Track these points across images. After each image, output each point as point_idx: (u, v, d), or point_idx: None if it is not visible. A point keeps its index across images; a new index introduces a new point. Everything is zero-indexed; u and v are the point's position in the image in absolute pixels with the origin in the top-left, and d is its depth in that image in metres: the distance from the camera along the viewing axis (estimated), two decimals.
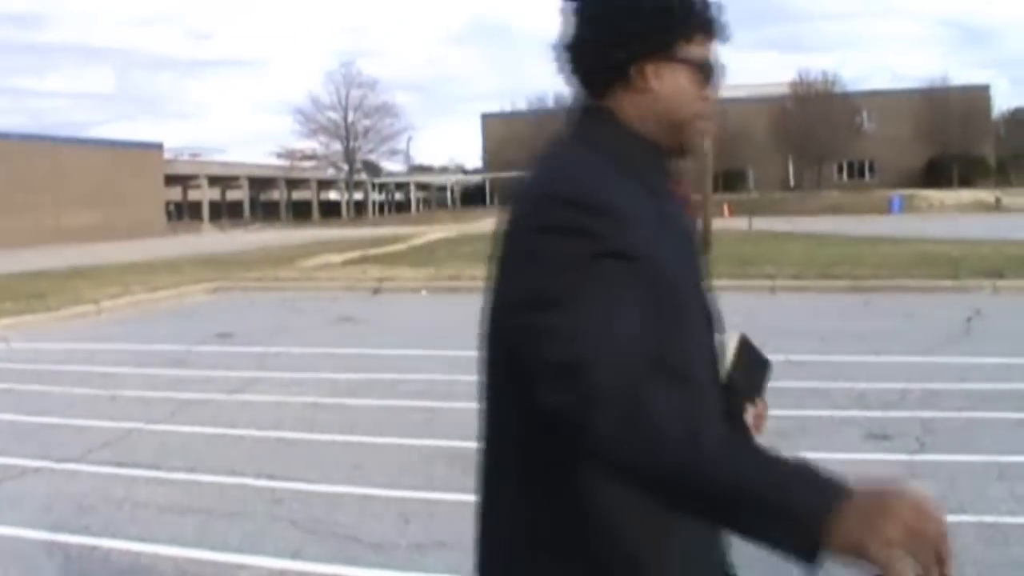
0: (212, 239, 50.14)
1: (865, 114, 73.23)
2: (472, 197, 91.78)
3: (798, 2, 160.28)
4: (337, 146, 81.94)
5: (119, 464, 6.70)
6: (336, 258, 26.42)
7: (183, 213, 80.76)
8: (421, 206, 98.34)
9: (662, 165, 1.66)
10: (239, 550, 4.98)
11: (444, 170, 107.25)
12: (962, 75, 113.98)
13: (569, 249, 1.41)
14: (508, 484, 1.58)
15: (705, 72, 1.61)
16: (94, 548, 5.07)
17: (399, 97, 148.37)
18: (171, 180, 70.53)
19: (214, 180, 79.92)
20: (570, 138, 1.64)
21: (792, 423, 6.84)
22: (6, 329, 14.04)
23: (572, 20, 1.61)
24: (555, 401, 1.37)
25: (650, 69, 1.57)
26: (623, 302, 1.39)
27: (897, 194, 55.75)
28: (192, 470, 6.49)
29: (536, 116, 77.79)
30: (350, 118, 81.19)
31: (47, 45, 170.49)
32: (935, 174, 68.99)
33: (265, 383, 9.61)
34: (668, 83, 1.58)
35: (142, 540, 5.14)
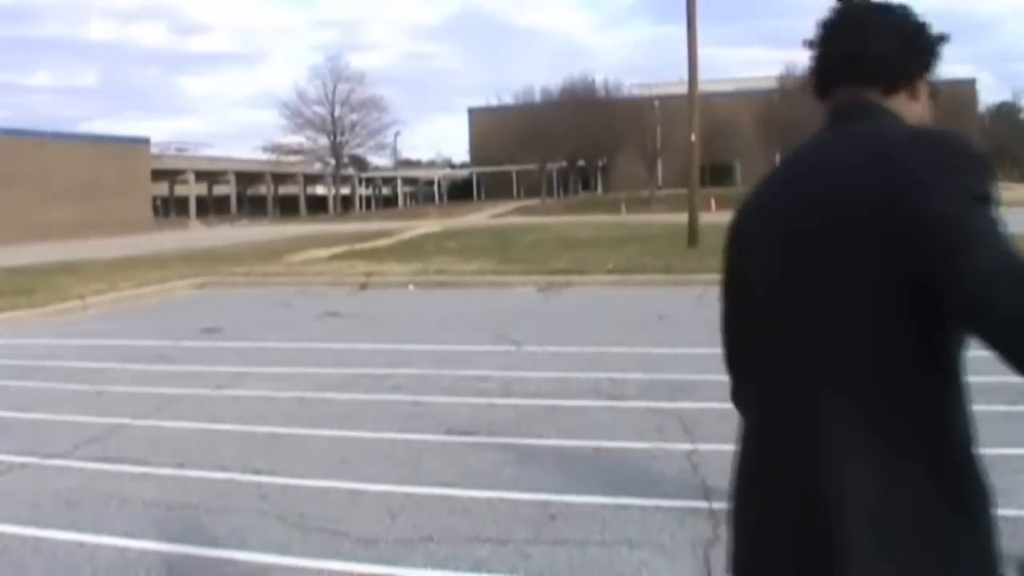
0: (199, 234, 50.04)
1: None
2: (459, 191, 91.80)
3: None
4: (324, 141, 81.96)
5: (106, 460, 6.69)
6: (323, 253, 26.40)
7: (170, 208, 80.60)
8: (408, 201, 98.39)
9: None
10: (226, 545, 4.97)
11: (431, 164, 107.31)
12: (945, 69, 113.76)
13: (974, 185, 1.63)
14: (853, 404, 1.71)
15: (935, 95, 1.99)
16: (81, 544, 5.05)
17: (386, 91, 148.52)
18: (158, 175, 70.40)
19: (201, 175, 79.80)
20: (887, 119, 1.87)
21: None
22: None
23: (872, 30, 1.90)
24: (989, 295, 1.52)
25: (917, 82, 1.93)
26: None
27: None
28: (179, 465, 6.48)
29: (523, 110, 77.82)
30: (337, 112, 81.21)
31: (35, 40, 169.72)
32: None
33: (252, 378, 9.60)
34: (923, 96, 1.95)
35: (129, 536, 5.13)
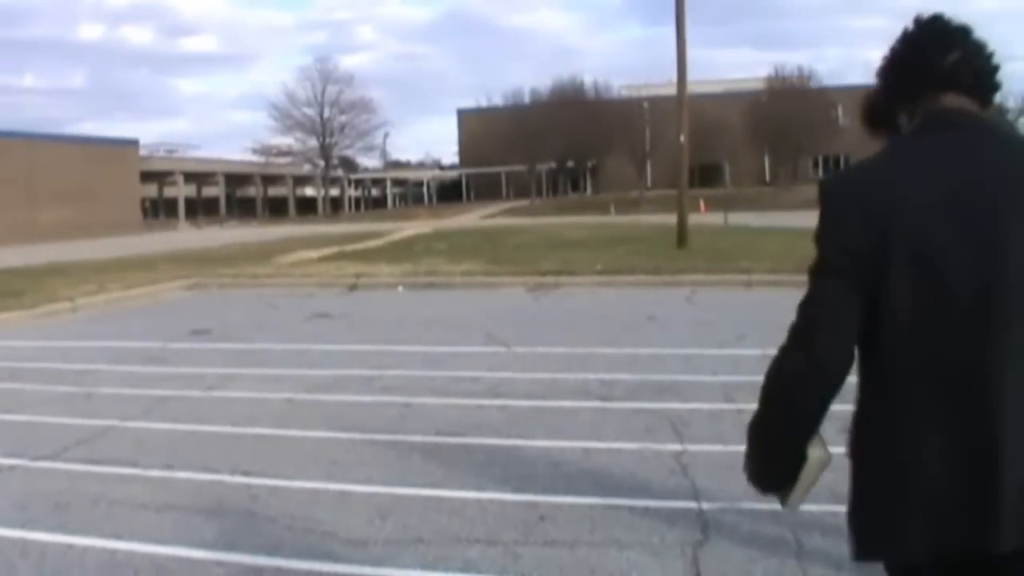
0: (188, 236, 49.93)
1: (840, 109, 73.49)
2: (448, 193, 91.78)
3: None
4: (313, 142, 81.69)
5: (95, 461, 6.67)
6: (313, 254, 26.35)
7: (159, 210, 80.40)
8: (397, 202, 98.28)
9: None
10: (216, 547, 4.97)
11: (420, 166, 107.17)
12: None
13: None
14: None
15: None
16: (70, 546, 5.04)
17: (375, 93, 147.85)
18: (147, 177, 70.18)
19: (190, 176, 79.53)
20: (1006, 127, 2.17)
21: None
22: None
23: (985, 45, 2.06)
24: None
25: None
26: None
27: None
28: (168, 467, 6.47)
29: (512, 111, 77.81)
30: (326, 114, 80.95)
31: (23, 41, 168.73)
32: None
33: (241, 379, 9.58)
34: None
35: (118, 538, 5.13)
